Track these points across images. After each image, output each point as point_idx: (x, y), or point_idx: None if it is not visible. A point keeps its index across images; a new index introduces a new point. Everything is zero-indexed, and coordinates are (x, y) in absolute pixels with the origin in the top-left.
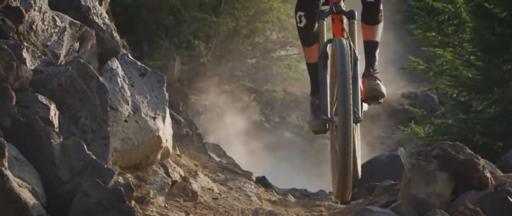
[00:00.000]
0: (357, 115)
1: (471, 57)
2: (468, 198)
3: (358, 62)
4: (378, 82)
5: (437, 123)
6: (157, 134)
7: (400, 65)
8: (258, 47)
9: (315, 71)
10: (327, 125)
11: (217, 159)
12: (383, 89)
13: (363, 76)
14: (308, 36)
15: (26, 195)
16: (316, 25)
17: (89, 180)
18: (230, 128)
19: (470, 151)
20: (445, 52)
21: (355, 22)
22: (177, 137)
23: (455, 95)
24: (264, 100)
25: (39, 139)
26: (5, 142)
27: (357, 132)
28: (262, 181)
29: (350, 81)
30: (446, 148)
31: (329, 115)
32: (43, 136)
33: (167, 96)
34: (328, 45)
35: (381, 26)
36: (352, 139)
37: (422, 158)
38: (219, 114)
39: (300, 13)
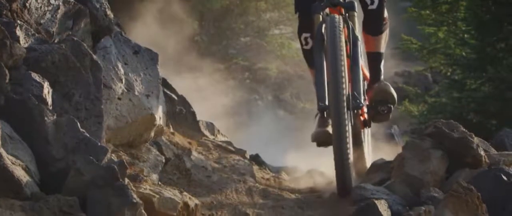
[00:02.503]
0: (358, 100)
1: (465, 35)
2: (462, 176)
3: (359, 43)
4: (388, 83)
5: (431, 102)
6: (150, 112)
7: (394, 44)
8: (251, 26)
9: None
10: (327, 123)
11: (211, 137)
12: (394, 92)
13: (368, 89)
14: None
15: (20, 173)
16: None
17: (82, 157)
18: (224, 106)
19: (464, 129)
20: (438, 31)
21: (355, 14)
22: (171, 115)
23: (449, 73)
24: (258, 78)
25: (33, 117)
26: None
27: (368, 134)
28: (255, 159)
29: (341, 58)
30: (440, 126)
31: (327, 102)
32: (37, 114)
33: (160, 74)
34: (323, 25)
35: (385, 35)
36: (346, 124)
37: (416, 136)
38: (212, 92)
39: (305, 35)
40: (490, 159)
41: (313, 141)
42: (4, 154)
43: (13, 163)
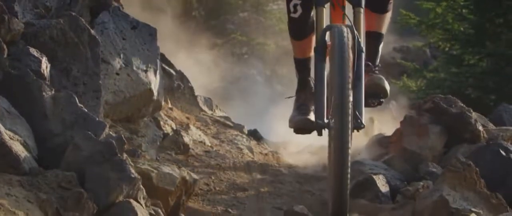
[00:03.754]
0: (359, 121)
1: (464, 10)
2: (460, 151)
3: (363, 55)
4: (382, 77)
5: (429, 77)
6: (148, 87)
7: (393, 18)
8: (249, 1)
9: (305, 67)
10: (321, 130)
11: (209, 112)
12: (387, 86)
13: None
14: (302, 29)
15: (18, 148)
16: (312, 14)
17: (80, 133)
18: (222, 81)
19: (462, 105)
20: (436, 6)
21: (362, 10)
22: (169, 90)
23: (447, 48)
24: (256, 53)
25: (31, 92)
26: None
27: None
28: (253, 134)
29: (349, 77)
30: (438, 102)
31: (326, 119)
32: (35, 89)
33: (158, 49)
34: (327, 32)
35: (389, 15)
36: (349, 148)
37: (414, 112)
38: (210, 67)
39: (295, 1)
40: (489, 134)
41: (291, 127)
42: (2, 129)
43: (11, 138)
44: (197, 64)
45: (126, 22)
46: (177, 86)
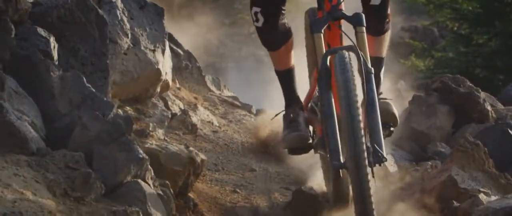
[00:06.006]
0: (379, 154)
1: None
2: (469, 131)
3: (373, 77)
4: (389, 101)
5: (438, 56)
6: (156, 67)
7: None
8: None
9: (289, 79)
10: (339, 173)
11: (217, 92)
12: (396, 112)
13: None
14: (271, 38)
15: (25, 128)
16: (283, 21)
17: (88, 112)
18: (230, 61)
19: (470, 84)
20: None
21: (364, 29)
22: (177, 70)
23: (455, 28)
24: None
25: (38, 72)
26: (4, 74)
27: None
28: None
29: (357, 106)
30: (446, 81)
31: (342, 159)
32: (42, 69)
33: (166, 29)
34: (329, 57)
35: (387, 36)
36: (369, 187)
37: (422, 91)
38: (218, 47)
39: (255, 9)
40: (497, 113)
41: (284, 148)
42: (10, 109)
43: (19, 118)
44: (205, 44)
45: (134, 1)
46: (185, 66)
